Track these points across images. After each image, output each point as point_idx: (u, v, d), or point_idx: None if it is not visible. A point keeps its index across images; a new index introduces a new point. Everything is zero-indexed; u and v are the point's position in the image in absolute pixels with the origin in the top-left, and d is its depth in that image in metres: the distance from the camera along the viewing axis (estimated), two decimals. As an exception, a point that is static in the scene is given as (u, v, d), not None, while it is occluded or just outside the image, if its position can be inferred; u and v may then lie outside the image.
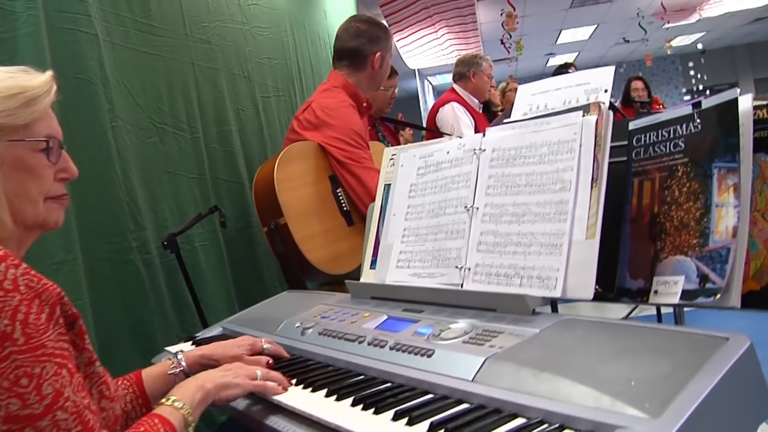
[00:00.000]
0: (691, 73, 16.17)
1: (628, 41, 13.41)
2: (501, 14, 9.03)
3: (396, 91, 4.04)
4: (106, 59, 2.18)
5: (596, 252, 1.19)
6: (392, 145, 3.99)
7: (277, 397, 1.24)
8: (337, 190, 2.54)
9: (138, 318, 2.18)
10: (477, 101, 4.78)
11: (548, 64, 15.56)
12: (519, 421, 0.94)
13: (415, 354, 1.22)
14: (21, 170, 1.10)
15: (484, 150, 1.49)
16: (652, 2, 10.58)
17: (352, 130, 2.53)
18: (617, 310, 2.54)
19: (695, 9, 10.18)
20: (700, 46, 14.90)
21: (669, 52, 13.57)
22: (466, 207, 1.48)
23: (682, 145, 1.20)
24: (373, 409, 1.07)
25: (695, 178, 1.16)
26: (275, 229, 2.35)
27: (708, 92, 15.58)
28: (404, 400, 1.10)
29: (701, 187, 1.14)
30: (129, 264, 2.16)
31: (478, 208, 1.45)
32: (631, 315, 3.26)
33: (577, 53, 14.92)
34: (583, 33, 12.84)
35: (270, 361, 1.42)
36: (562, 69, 5.36)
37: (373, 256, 1.74)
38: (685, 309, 1.72)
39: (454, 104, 4.55)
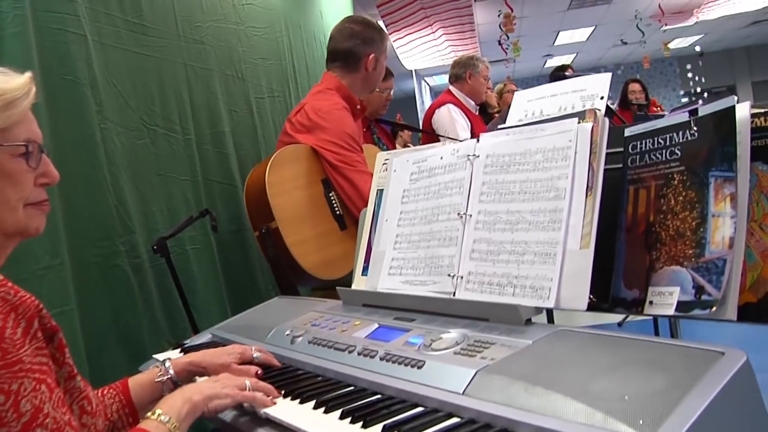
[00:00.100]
0: (689, 75, 16.17)
1: (625, 43, 13.41)
2: (498, 15, 9.02)
3: (392, 93, 4.02)
4: (96, 60, 2.15)
5: (590, 262, 1.17)
6: (388, 148, 3.98)
7: (264, 410, 1.21)
8: (330, 194, 2.51)
9: (126, 323, 2.15)
10: (473, 103, 4.76)
11: (546, 66, 15.55)
12: (509, 438, 0.92)
13: (406, 365, 1.20)
14: None
15: (478, 156, 1.46)
16: (650, 4, 10.58)
17: (346, 133, 2.51)
18: (613, 315, 2.51)
19: (693, 11, 10.17)
20: (698, 48, 14.90)
21: (666, 54, 13.57)
22: (459, 214, 1.45)
23: (679, 153, 1.18)
24: (361, 423, 1.05)
25: (691, 187, 1.14)
26: (266, 234, 2.32)
27: (706, 94, 15.61)
28: (393, 414, 1.08)
29: (697, 197, 1.12)
30: (117, 268, 2.14)
31: (471, 216, 1.43)
32: (627, 320, 3.25)
33: (574, 55, 14.91)
34: (580, 35, 12.83)
35: (259, 372, 1.39)
36: (560, 71, 5.33)
37: (364, 262, 1.72)
38: (681, 317, 1.70)
39: (450, 106, 4.53)
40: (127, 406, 1.39)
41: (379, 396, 1.18)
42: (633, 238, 1.22)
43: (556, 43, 13.43)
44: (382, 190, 1.73)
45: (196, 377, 1.47)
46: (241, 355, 1.46)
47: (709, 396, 0.83)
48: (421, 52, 8.57)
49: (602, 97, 1.40)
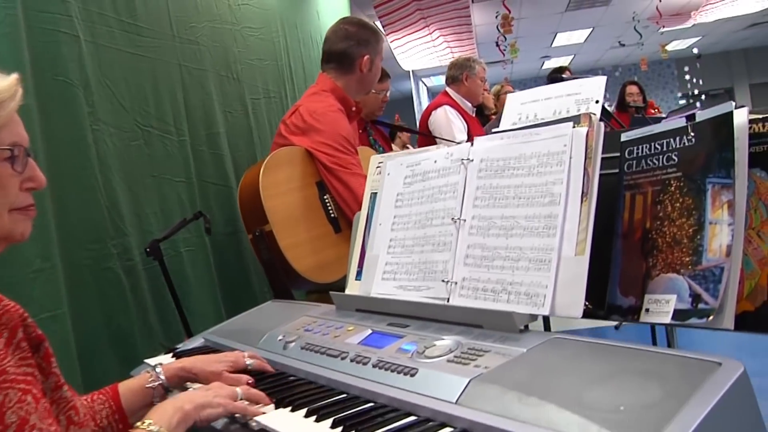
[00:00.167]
0: (687, 77, 16.18)
1: (623, 45, 13.41)
2: (496, 16, 9.01)
3: (388, 94, 4.00)
4: (89, 60, 2.14)
5: (585, 269, 1.15)
6: (384, 150, 3.96)
7: (256, 418, 1.19)
8: (325, 197, 2.50)
9: (119, 327, 2.14)
10: (470, 105, 4.74)
11: (543, 67, 15.55)
12: (502, 449, 0.90)
13: (399, 373, 1.18)
14: None
15: (472, 160, 1.44)
16: (647, 6, 10.58)
17: (341, 135, 2.49)
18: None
19: (690, 14, 10.17)
20: (695, 50, 14.90)
21: (664, 57, 13.57)
22: (453, 219, 1.43)
23: (676, 159, 1.16)
24: (352, 432, 1.04)
25: (688, 194, 1.12)
26: (260, 237, 2.30)
27: (703, 97, 15.61)
28: (386, 423, 1.06)
29: (695, 203, 1.10)
30: (108, 271, 2.12)
31: (465, 220, 1.41)
32: (624, 323, 3.23)
33: (572, 56, 14.92)
34: (578, 36, 12.84)
35: (251, 381, 1.37)
36: (557, 73, 5.33)
37: (358, 266, 1.70)
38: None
39: (447, 108, 4.51)
40: (117, 412, 1.37)
41: (372, 404, 1.16)
42: (629, 244, 1.20)
43: (553, 45, 13.44)
44: (376, 193, 1.71)
45: (188, 383, 1.45)
46: (234, 363, 1.44)
47: (706, 407, 0.81)
48: (419, 52, 8.57)
49: (597, 101, 1.38)
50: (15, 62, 1.78)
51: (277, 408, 1.24)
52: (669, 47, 13.55)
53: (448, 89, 4.75)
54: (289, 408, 1.21)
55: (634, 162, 1.24)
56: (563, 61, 14.89)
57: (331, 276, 2.37)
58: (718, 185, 1.07)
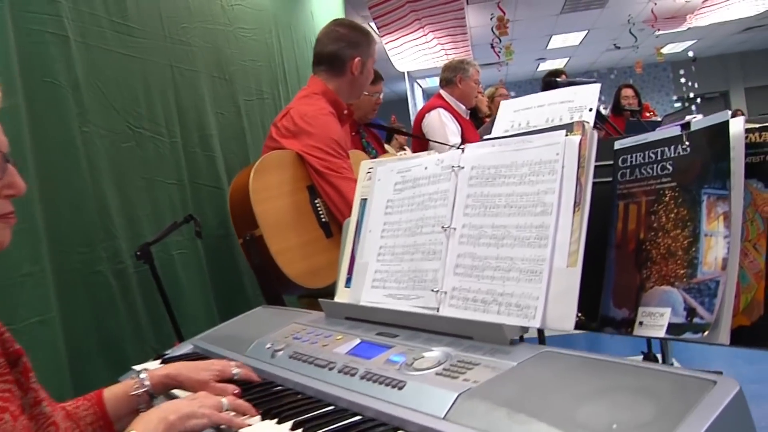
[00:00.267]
0: (682, 80, 16.18)
1: (619, 48, 13.42)
2: (491, 18, 9.00)
3: (381, 96, 3.97)
4: (79, 61, 2.11)
5: (578, 281, 1.13)
6: (377, 152, 3.94)
7: (241, 430, 1.17)
8: (316, 201, 2.47)
9: (109, 331, 2.12)
10: (464, 107, 4.72)
11: (538, 69, 15.56)
12: (491, 468, 0.88)
13: (386, 385, 1.15)
14: None
15: (463, 167, 1.41)
16: (643, 9, 10.58)
17: (332, 139, 2.46)
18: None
19: (686, 17, 10.17)
20: (691, 53, 14.92)
21: (660, 60, 13.58)
22: (443, 227, 1.41)
23: (670, 168, 1.14)
24: (338, 447, 1.01)
25: (683, 204, 1.10)
26: (251, 241, 2.28)
27: (699, 100, 15.63)
28: (372, 438, 1.04)
29: (690, 214, 1.08)
30: (98, 275, 2.10)
31: (455, 229, 1.38)
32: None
33: (567, 59, 14.92)
34: (573, 38, 12.84)
35: (237, 391, 1.35)
36: (552, 76, 5.30)
37: (348, 273, 1.67)
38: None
39: (441, 110, 4.49)
40: (101, 418, 1.35)
41: (359, 417, 1.13)
42: (623, 255, 1.18)
43: (548, 47, 13.43)
44: (366, 199, 1.69)
45: (174, 390, 1.43)
46: (221, 372, 1.42)
47: (701, 428, 0.79)
48: (414, 54, 8.55)
49: (591, 109, 1.36)
50: (2, 63, 1.77)
51: (263, 419, 1.22)
52: (664, 50, 13.57)
53: (441, 92, 4.74)
54: (276, 420, 1.19)
55: (628, 171, 1.22)
56: (558, 63, 14.91)
57: (322, 281, 2.34)
58: (714, 196, 1.05)
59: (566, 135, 1.23)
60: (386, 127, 5.17)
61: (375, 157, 3.78)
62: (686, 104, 15.23)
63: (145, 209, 2.38)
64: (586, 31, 12.30)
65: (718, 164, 1.05)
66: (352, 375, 1.24)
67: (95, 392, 1.39)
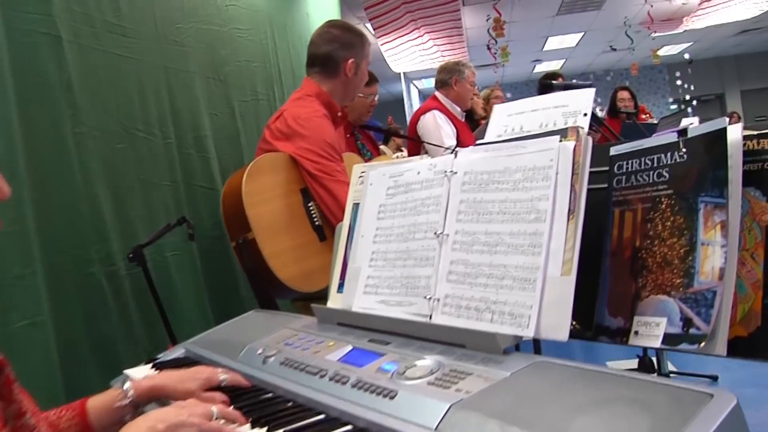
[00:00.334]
0: (678, 83, 16.21)
1: (615, 49, 13.43)
2: (487, 19, 8.99)
3: (376, 98, 3.95)
4: (72, 62, 2.10)
5: (572, 290, 1.11)
6: (372, 154, 3.92)
7: (229, 440, 1.15)
8: (309, 204, 2.45)
9: (101, 333, 2.10)
10: (459, 109, 4.71)
11: (534, 71, 15.55)
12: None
13: (378, 394, 1.13)
14: None
15: (456, 173, 1.39)
16: (639, 11, 10.58)
17: (325, 142, 2.44)
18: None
19: (682, 19, 10.18)
20: (687, 56, 14.93)
21: (656, 62, 13.59)
22: (436, 233, 1.39)
23: (667, 176, 1.12)
24: (327, 459, 0.99)
25: (680, 212, 1.08)
26: (243, 245, 2.26)
27: (695, 102, 15.65)
28: (362, 448, 1.02)
29: (686, 223, 1.06)
30: (91, 277, 2.09)
31: (448, 235, 1.36)
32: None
33: (563, 60, 14.92)
34: (570, 40, 12.83)
35: (225, 399, 1.33)
36: (549, 79, 5.28)
37: (340, 279, 1.65)
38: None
39: (436, 113, 4.47)
40: (84, 430, 1.33)
41: (350, 427, 1.11)
42: (618, 263, 1.16)
43: (545, 49, 13.43)
44: (359, 203, 1.67)
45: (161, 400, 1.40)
46: (207, 381, 1.40)
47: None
48: (409, 55, 8.55)
49: (585, 114, 1.34)
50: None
51: (252, 428, 1.20)
52: (660, 52, 13.57)
53: (437, 93, 4.72)
54: (265, 429, 1.17)
55: (624, 177, 1.20)
56: (555, 65, 14.91)
57: (315, 285, 2.32)
58: (711, 205, 1.03)
59: (560, 140, 1.21)
60: (382, 128, 5.15)
61: (370, 159, 3.77)
62: (682, 107, 15.25)
63: (138, 211, 2.36)
64: (583, 33, 12.30)
65: (716, 172, 1.03)
66: (344, 383, 1.22)
67: (78, 402, 1.36)
